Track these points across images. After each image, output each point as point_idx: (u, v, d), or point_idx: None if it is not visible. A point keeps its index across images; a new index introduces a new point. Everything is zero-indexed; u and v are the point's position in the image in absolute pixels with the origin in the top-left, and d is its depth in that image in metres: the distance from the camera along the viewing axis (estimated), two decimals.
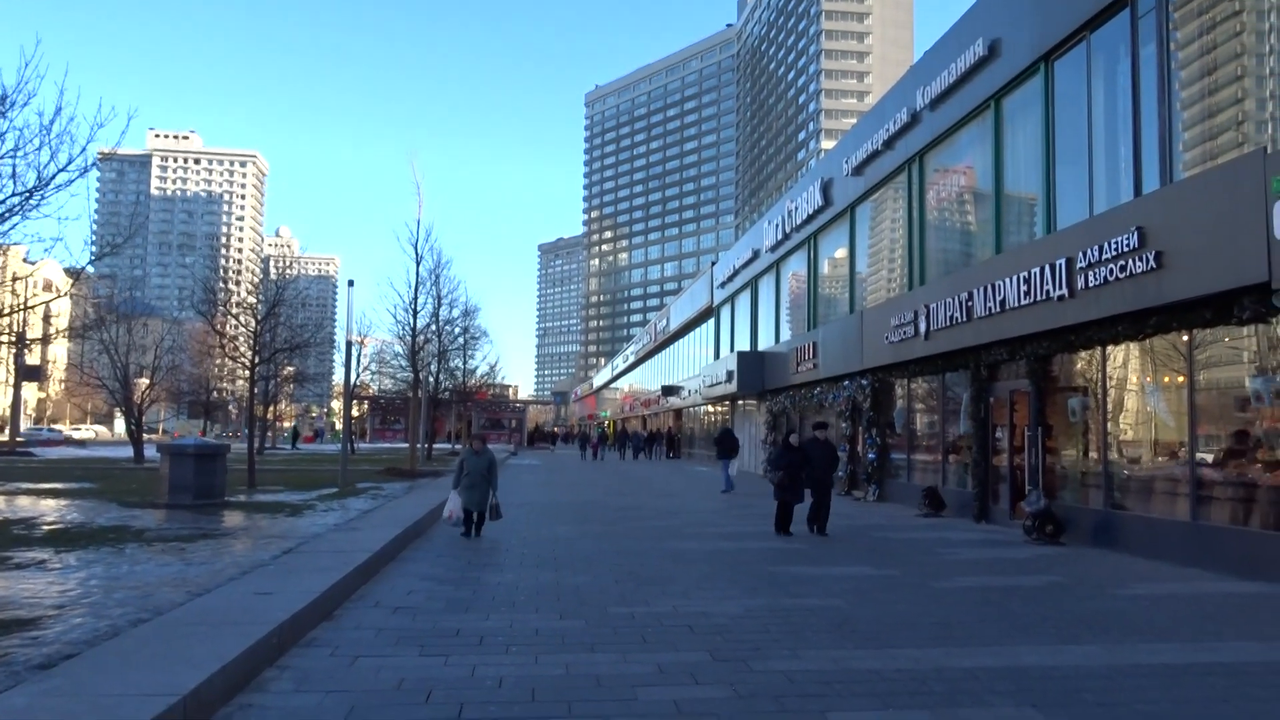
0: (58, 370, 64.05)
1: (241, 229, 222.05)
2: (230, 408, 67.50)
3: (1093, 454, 12.28)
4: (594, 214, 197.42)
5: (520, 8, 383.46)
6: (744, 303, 33.45)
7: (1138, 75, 11.61)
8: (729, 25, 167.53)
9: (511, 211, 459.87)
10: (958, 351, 15.38)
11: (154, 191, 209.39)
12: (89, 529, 11.25)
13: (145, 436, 32.69)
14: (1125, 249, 10.68)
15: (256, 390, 23.32)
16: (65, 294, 14.89)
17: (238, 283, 31.71)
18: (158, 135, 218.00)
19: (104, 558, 8.92)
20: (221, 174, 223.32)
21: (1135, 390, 11.66)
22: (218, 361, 40.29)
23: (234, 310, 23.20)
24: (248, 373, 20.35)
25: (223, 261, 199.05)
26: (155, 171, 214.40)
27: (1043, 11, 13.61)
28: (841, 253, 23.19)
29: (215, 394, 53.57)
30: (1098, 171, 12.52)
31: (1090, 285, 11.38)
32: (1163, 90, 11.12)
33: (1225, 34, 10.53)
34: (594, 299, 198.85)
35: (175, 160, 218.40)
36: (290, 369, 39.54)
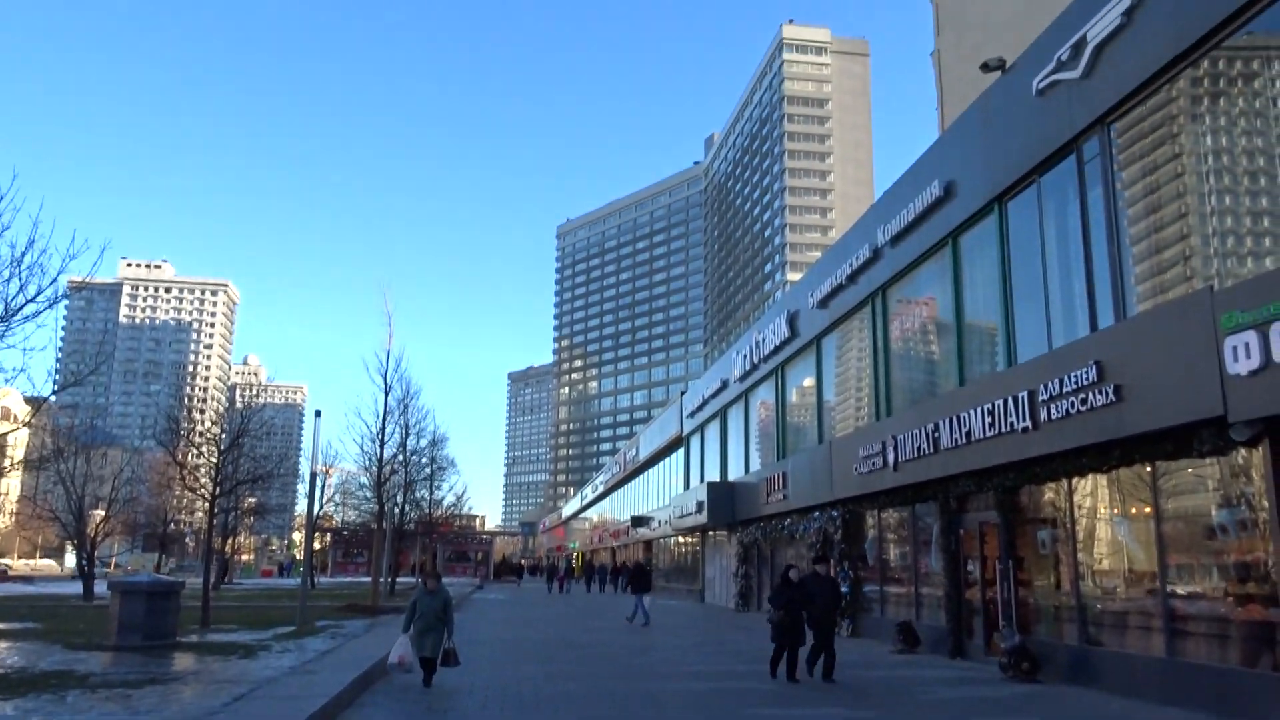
0: (9, 502, 62.19)
1: (209, 357, 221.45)
2: (188, 540, 65.61)
3: (1065, 587, 12.20)
4: (564, 343, 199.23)
5: (494, 146, 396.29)
6: (713, 432, 33.52)
7: (1087, 215, 12.14)
8: (696, 163, 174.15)
9: (482, 340, 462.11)
10: (926, 483, 15.41)
11: (123, 320, 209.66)
12: (30, 674, 10.72)
13: (99, 570, 31.58)
14: (1085, 382, 10.91)
15: (215, 522, 22.76)
16: (23, 424, 14.65)
17: (202, 411, 31.38)
18: (130, 264, 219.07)
19: (43, 707, 8.48)
20: (192, 303, 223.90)
21: (1104, 521, 11.70)
22: (177, 493, 39.43)
23: (196, 441, 22.86)
24: (207, 505, 19.90)
25: (188, 390, 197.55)
26: (125, 300, 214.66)
27: (994, 156, 14.30)
28: (809, 382, 23.46)
29: (172, 526, 52.19)
30: (1054, 306, 12.90)
31: (1053, 418, 11.56)
32: (1111, 229, 11.62)
33: (1168, 175, 11.10)
34: (563, 427, 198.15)
35: (146, 289, 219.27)
36: (252, 500, 38.77)
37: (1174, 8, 10.51)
